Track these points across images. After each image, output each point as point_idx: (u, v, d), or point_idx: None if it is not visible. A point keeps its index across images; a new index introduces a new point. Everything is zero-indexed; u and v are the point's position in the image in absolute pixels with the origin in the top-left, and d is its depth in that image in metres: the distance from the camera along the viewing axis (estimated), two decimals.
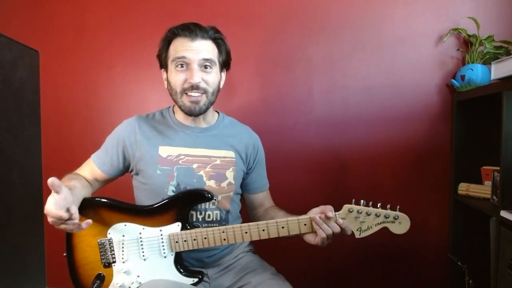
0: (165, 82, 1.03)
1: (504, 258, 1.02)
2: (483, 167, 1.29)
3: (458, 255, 1.37)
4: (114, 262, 0.92)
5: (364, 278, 1.53)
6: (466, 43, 1.39)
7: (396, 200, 1.46)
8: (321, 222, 0.86)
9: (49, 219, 0.78)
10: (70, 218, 0.78)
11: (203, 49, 0.96)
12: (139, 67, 1.59)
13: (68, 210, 0.78)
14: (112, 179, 1.06)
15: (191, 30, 0.95)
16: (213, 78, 0.98)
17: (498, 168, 1.08)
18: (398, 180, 1.47)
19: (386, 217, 0.88)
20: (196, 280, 0.93)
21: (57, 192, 0.77)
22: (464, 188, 1.32)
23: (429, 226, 1.46)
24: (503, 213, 1.02)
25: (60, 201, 0.77)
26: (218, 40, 1.00)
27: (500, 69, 1.04)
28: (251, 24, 1.52)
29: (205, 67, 0.96)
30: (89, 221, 0.83)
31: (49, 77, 1.60)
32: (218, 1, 1.53)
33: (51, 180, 0.75)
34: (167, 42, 0.99)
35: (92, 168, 1.04)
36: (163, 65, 1.02)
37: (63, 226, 0.80)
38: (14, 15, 1.65)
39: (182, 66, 0.96)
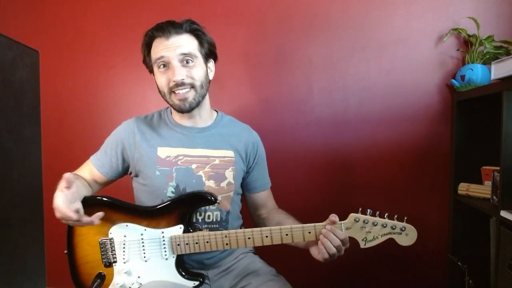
0: (156, 86, 1.03)
1: (504, 258, 1.02)
2: (483, 167, 1.29)
3: (458, 255, 1.37)
4: (115, 262, 0.91)
5: (365, 279, 1.54)
6: (466, 43, 1.39)
7: (395, 200, 1.48)
8: (326, 240, 0.83)
9: (57, 215, 0.79)
10: (78, 220, 0.80)
11: (179, 44, 0.94)
12: (139, 67, 1.56)
13: (77, 211, 0.80)
14: (111, 181, 1.06)
15: (164, 29, 0.94)
16: (198, 71, 0.97)
17: (498, 168, 1.08)
18: (398, 180, 1.47)
19: (392, 228, 0.85)
20: (197, 283, 0.92)
21: (68, 188, 0.80)
22: (464, 188, 1.32)
23: (429, 226, 1.46)
24: (503, 213, 1.02)
25: (69, 196, 0.80)
26: (196, 32, 0.98)
27: (500, 69, 1.04)
28: (251, 24, 1.52)
29: (187, 62, 0.95)
30: (100, 214, 0.85)
31: (49, 77, 1.60)
32: (218, 0, 1.53)
33: (67, 175, 0.80)
34: (146, 47, 0.99)
35: (91, 170, 1.03)
36: (150, 69, 1.02)
37: (70, 222, 0.81)
38: (14, 15, 1.65)
39: (164, 66, 0.95)
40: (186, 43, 0.95)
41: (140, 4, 1.58)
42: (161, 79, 0.96)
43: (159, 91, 1.00)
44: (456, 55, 1.41)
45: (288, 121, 1.52)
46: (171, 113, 1.06)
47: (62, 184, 0.81)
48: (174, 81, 0.93)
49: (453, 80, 1.36)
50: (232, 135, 1.07)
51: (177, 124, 1.04)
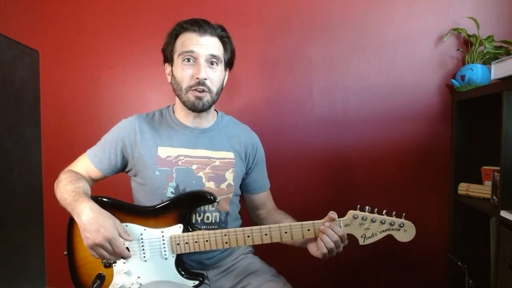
0: (169, 77, 1.02)
1: (504, 258, 1.02)
2: (483, 167, 1.29)
3: (458, 255, 1.37)
4: (115, 262, 0.91)
5: (365, 279, 1.54)
6: (466, 43, 1.39)
7: (395, 200, 1.48)
8: (324, 235, 0.84)
9: (95, 253, 0.85)
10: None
11: (211, 44, 0.95)
12: (139, 67, 1.59)
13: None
14: (106, 177, 1.04)
15: (201, 25, 0.94)
16: (218, 76, 0.98)
17: (498, 168, 1.08)
18: (398, 180, 1.47)
19: (391, 224, 0.86)
20: (197, 282, 0.92)
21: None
22: (464, 188, 1.32)
23: (429, 226, 1.46)
24: (503, 213, 1.02)
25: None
26: (225, 39, 1.00)
27: (500, 69, 1.04)
28: (251, 24, 1.52)
29: (212, 63, 0.96)
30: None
31: (49, 77, 1.60)
32: (218, 0, 1.53)
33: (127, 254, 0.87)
34: (174, 36, 0.98)
35: (88, 166, 1.01)
36: (168, 59, 1.01)
37: (107, 256, 0.85)
38: (14, 15, 1.65)
39: (189, 61, 0.95)
40: (216, 45, 0.97)
41: (140, 4, 1.58)
42: (183, 73, 0.95)
43: (173, 83, 0.99)
44: (456, 55, 1.41)
45: (288, 121, 1.52)
46: (173, 111, 1.05)
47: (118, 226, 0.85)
48: (197, 78, 0.93)
49: (453, 80, 1.36)
50: (232, 136, 1.07)
51: (180, 123, 1.03)
